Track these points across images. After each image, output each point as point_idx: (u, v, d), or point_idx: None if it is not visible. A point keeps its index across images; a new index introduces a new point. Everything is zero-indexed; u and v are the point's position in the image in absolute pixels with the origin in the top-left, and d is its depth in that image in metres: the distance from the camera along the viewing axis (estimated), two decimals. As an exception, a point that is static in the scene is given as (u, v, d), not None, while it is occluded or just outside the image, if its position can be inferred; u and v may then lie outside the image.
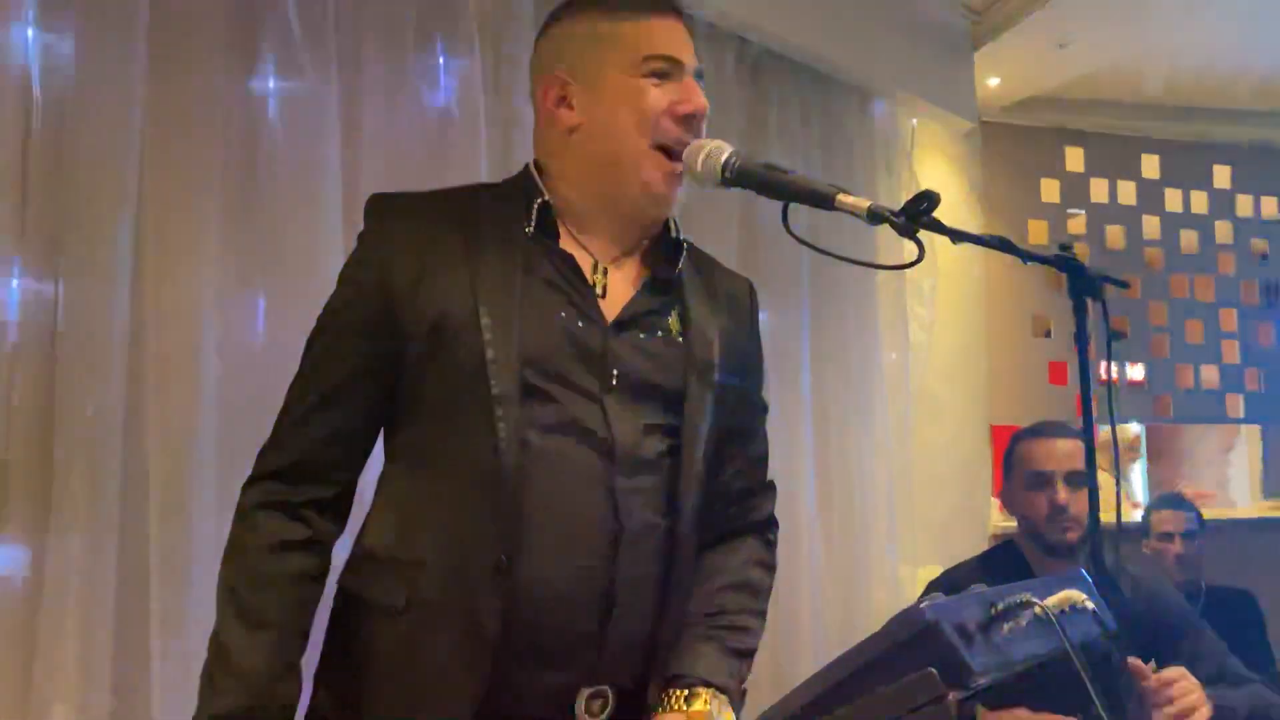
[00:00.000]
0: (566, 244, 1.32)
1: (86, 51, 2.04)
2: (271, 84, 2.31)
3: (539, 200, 1.32)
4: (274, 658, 1.24)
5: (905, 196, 1.20)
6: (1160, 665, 2.26)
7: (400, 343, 1.27)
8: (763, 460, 1.49)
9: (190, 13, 2.18)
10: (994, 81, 4.45)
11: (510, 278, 1.26)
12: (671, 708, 1.25)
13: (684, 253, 1.37)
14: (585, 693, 1.25)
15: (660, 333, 1.32)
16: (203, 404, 2.16)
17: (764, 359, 1.50)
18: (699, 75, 1.36)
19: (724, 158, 1.29)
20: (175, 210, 2.14)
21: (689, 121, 1.31)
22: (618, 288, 1.33)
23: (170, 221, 2.14)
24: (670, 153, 1.31)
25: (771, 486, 1.50)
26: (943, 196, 1.23)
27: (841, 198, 1.23)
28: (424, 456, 1.28)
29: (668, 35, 1.33)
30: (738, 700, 1.30)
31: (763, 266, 3.34)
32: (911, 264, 1.27)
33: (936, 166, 4.43)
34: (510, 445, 1.20)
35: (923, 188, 1.22)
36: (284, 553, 1.27)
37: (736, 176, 1.29)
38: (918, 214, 1.20)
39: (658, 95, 1.30)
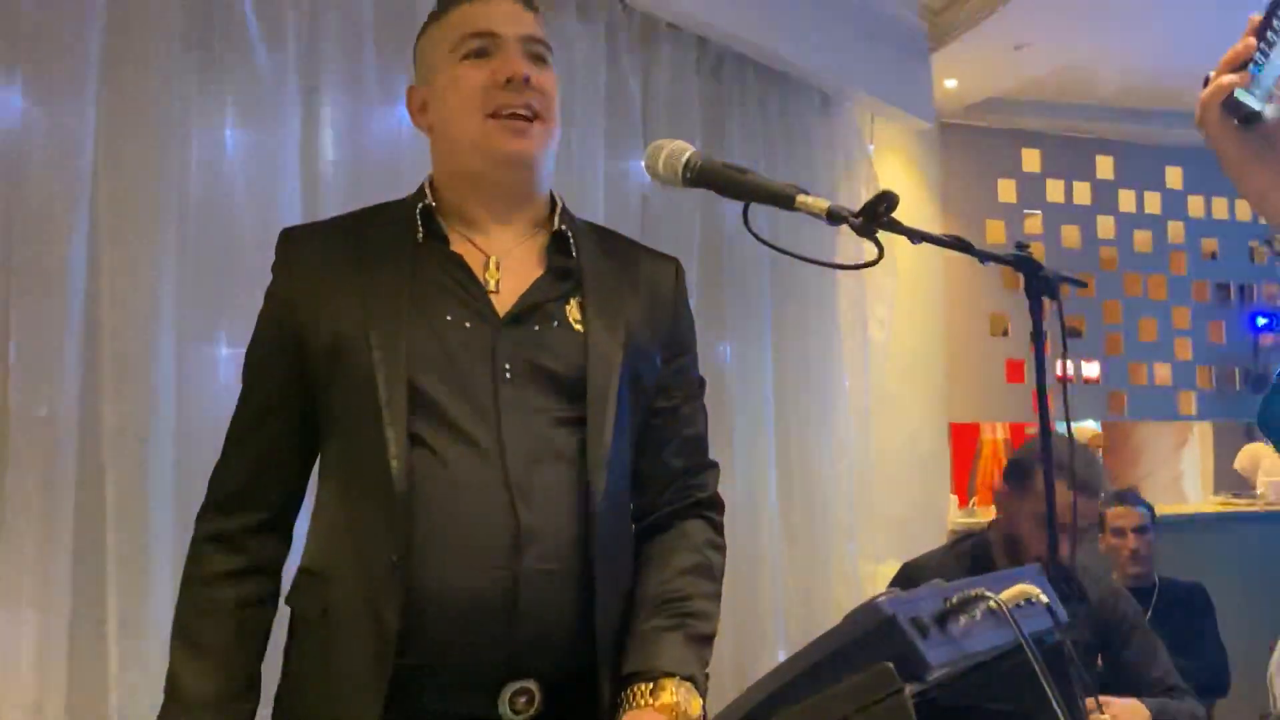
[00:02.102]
0: (458, 245, 1.34)
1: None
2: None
3: (420, 205, 1.34)
4: (220, 684, 1.29)
5: (866, 197, 1.21)
6: (1107, 664, 2.31)
7: (308, 369, 1.32)
8: (701, 439, 1.47)
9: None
10: (951, 83, 4.50)
11: (399, 288, 1.29)
12: (637, 704, 1.24)
13: (570, 239, 1.37)
14: (509, 690, 1.25)
15: (557, 323, 1.32)
16: (160, 401, 2.14)
17: (695, 337, 1.48)
18: (536, 41, 1.35)
19: (684, 158, 1.30)
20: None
21: (512, 85, 1.31)
22: (513, 282, 1.33)
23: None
24: (514, 116, 1.31)
25: (714, 465, 1.49)
26: (901, 197, 1.24)
27: (801, 198, 1.24)
28: (337, 473, 1.33)
29: (483, 13, 1.34)
30: (703, 686, 1.30)
31: (725, 267, 3.36)
32: (870, 264, 1.28)
33: (895, 167, 4.47)
34: (399, 451, 1.23)
35: (882, 188, 1.23)
36: (223, 583, 1.33)
37: (697, 176, 1.30)
38: (876, 214, 1.21)
39: (475, 74, 1.31)
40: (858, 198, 3.89)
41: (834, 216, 1.22)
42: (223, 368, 2.22)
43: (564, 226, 1.37)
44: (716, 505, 1.47)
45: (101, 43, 2.12)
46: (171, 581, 2.03)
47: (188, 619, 1.32)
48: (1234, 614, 3.68)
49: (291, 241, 1.39)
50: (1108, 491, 2.24)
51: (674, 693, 1.24)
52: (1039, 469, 2.11)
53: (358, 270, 1.31)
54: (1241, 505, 5.55)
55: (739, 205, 1.31)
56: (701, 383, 1.49)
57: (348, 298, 1.29)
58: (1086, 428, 5.83)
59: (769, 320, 3.52)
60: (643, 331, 1.37)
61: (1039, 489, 2.13)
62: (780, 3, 3.55)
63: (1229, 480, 6.56)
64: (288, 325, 1.33)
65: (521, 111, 1.31)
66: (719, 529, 1.46)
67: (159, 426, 2.13)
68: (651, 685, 1.25)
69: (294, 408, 1.34)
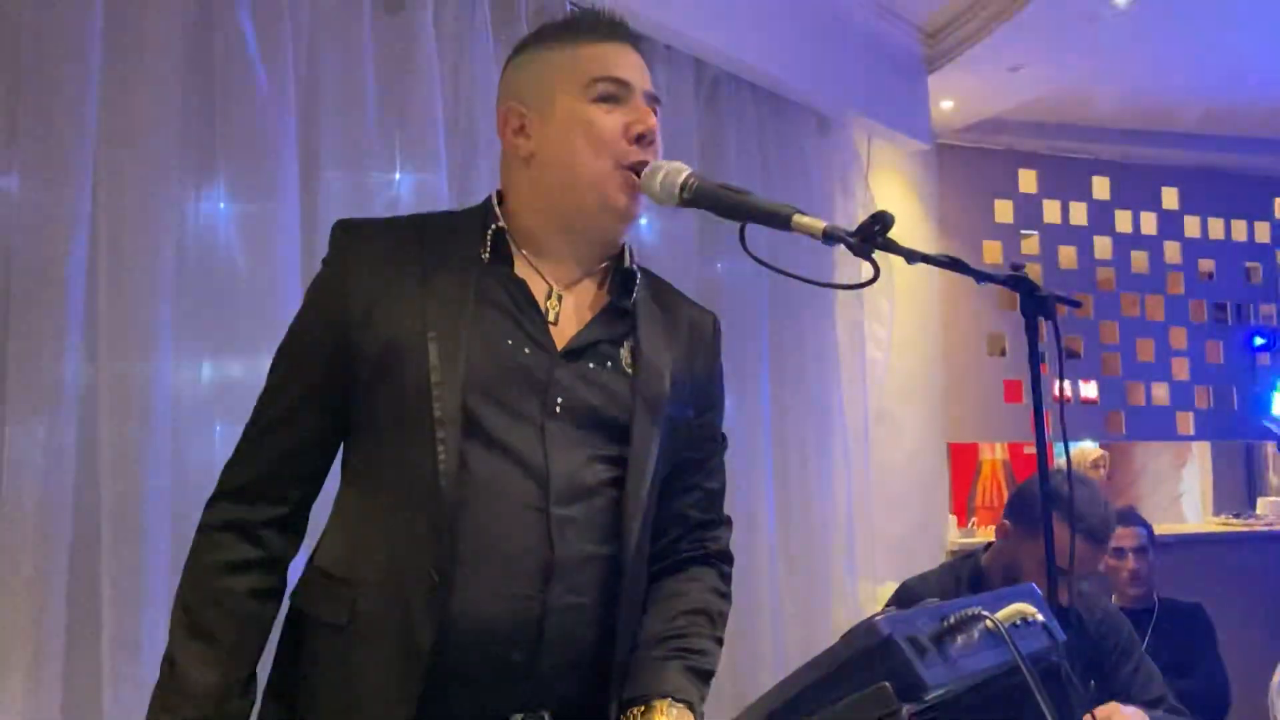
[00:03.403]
0: (522, 270, 1.34)
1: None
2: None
3: (493, 226, 1.33)
4: (225, 674, 1.26)
5: (863, 218, 1.22)
6: (1100, 686, 2.31)
7: (353, 366, 1.29)
8: (720, 493, 1.49)
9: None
10: (948, 105, 4.52)
11: (461, 303, 1.28)
12: None
13: (637, 281, 1.38)
14: (518, 718, 1.25)
15: (610, 363, 1.33)
16: (156, 425, 2.14)
17: (724, 394, 1.50)
18: (655, 99, 1.37)
19: (682, 179, 1.31)
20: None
21: (642, 141, 1.32)
22: (572, 315, 1.34)
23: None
24: (631, 169, 1.32)
25: (728, 521, 1.51)
26: (898, 217, 1.25)
27: (797, 218, 1.25)
28: (372, 477, 1.31)
29: (617, 58, 1.35)
30: (699, 717, 1.30)
31: (722, 287, 3.37)
32: (867, 284, 1.29)
33: (893, 188, 4.49)
34: (449, 468, 1.22)
35: (879, 209, 1.24)
36: (237, 572, 1.30)
37: (694, 197, 1.30)
38: (872, 234, 1.22)
39: (609, 119, 1.31)
40: (855, 219, 3.89)
41: (830, 236, 1.22)
42: (217, 401, 2.21)
43: (634, 266, 1.38)
44: (727, 558, 1.49)
45: (97, 116, 2.11)
46: (165, 601, 2.03)
47: (195, 604, 1.28)
48: (1234, 635, 3.67)
49: (350, 234, 1.35)
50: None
51: (664, 712, 1.24)
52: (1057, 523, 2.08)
53: (420, 277, 1.29)
54: (1241, 526, 5.55)
55: (735, 226, 1.32)
56: (725, 439, 1.51)
57: (407, 302, 1.28)
58: (1091, 448, 5.80)
59: (766, 342, 3.53)
60: (684, 382, 1.39)
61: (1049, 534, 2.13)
62: (777, 25, 3.57)
63: (1228, 500, 6.55)
64: (337, 320, 1.29)
65: (641, 166, 1.32)
66: (727, 580, 1.48)
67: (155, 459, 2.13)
68: (644, 708, 1.25)
69: (328, 405, 1.31)
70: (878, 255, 1.24)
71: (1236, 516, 5.80)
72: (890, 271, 1.22)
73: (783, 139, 3.72)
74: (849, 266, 3.61)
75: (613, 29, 1.37)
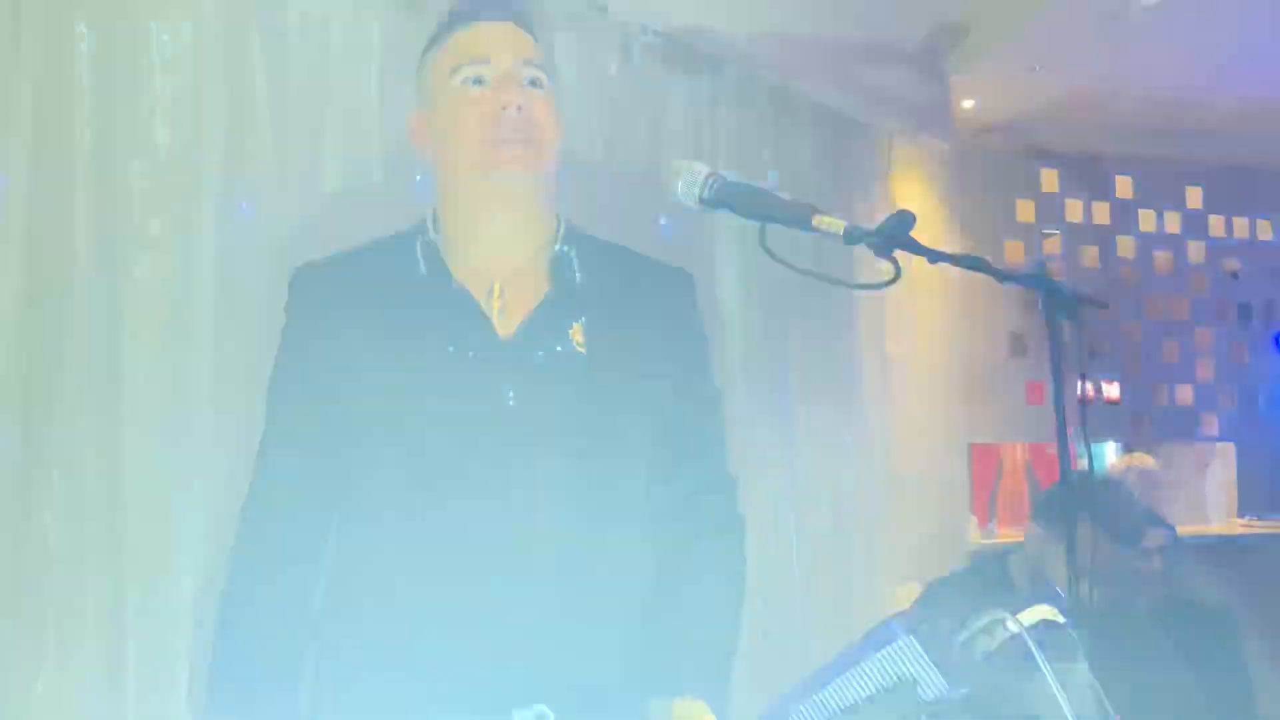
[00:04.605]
0: (460, 273, 1.36)
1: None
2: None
3: (420, 239, 1.37)
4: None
5: (883, 217, 1.22)
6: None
7: (327, 405, 1.34)
8: (717, 454, 1.48)
9: None
10: (969, 104, 4.50)
11: (405, 322, 1.32)
12: None
13: (574, 262, 1.38)
14: (520, 715, 1.26)
15: (560, 347, 1.33)
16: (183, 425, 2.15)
17: (706, 349, 1.48)
18: (530, 65, 1.37)
19: (702, 179, 1.31)
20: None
21: (505, 115, 1.33)
22: (517, 306, 1.35)
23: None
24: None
25: (733, 481, 1.49)
26: (919, 217, 1.25)
27: (818, 218, 1.25)
28: (355, 502, 1.35)
29: (478, 39, 1.37)
30: (722, 701, 1.30)
31: (746, 286, 3.36)
32: (888, 283, 1.28)
33: (913, 187, 4.47)
34: (412, 484, 1.27)
35: (900, 208, 1.24)
36: (260, 610, 1.35)
37: (714, 197, 1.31)
38: (893, 234, 1.22)
39: (471, 103, 1.34)
40: (875, 219, 3.88)
41: (851, 236, 1.22)
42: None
43: (567, 248, 1.38)
44: (738, 520, 1.47)
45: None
46: (191, 603, 2.04)
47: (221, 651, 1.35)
48: (1258, 638, 3.64)
49: (303, 282, 1.41)
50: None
51: (686, 709, 1.24)
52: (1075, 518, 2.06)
53: (368, 307, 1.34)
54: (1265, 528, 5.49)
55: (756, 226, 1.31)
56: (715, 393, 1.49)
57: (357, 335, 1.32)
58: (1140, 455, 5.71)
59: (786, 341, 3.52)
60: (650, 351, 1.38)
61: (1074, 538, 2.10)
62: (796, 26, 3.56)
63: (1253, 502, 6.49)
64: (304, 366, 1.36)
65: (514, 139, 1.33)
66: (741, 545, 1.46)
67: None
68: (664, 703, 1.25)
69: (316, 443, 1.36)
70: (899, 255, 1.24)
71: (1261, 518, 5.75)
72: (911, 272, 1.22)
73: (803, 140, 3.71)
74: (870, 266, 3.60)
75: (478, 11, 1.39)
